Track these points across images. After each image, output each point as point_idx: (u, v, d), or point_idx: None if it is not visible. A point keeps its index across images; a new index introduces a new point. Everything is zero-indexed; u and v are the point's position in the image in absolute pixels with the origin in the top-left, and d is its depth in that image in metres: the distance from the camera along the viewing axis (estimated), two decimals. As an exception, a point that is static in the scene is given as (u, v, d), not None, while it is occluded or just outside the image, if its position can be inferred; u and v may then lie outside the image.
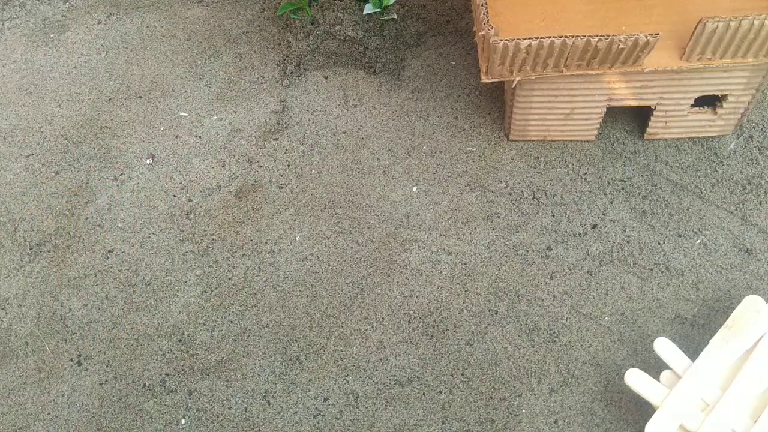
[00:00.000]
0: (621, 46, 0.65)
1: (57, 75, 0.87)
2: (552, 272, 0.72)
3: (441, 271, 0.72)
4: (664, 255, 0.73)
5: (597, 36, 0.64)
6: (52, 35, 0.90)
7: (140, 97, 0.85)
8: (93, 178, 0.79)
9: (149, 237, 0.75)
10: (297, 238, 0.74)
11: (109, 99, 0.85)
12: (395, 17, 0.84)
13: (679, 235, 0.74)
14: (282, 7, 0.82)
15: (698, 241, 0.73)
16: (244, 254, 0.73)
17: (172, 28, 0.91)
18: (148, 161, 0.80)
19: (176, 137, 0.82)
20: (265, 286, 0.71)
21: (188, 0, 0.94)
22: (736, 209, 0.75)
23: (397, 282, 0.71)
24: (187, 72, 0.87)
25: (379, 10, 0.81)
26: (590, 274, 0.72)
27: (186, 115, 0.83)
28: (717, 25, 0.64)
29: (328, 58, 0.85)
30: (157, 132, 0.82)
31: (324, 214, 0.76)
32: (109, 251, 0.74)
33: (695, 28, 0.64)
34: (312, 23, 0.81)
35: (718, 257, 0.72)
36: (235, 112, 0.83)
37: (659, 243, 0.73)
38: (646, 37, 0.64)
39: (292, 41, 0.83)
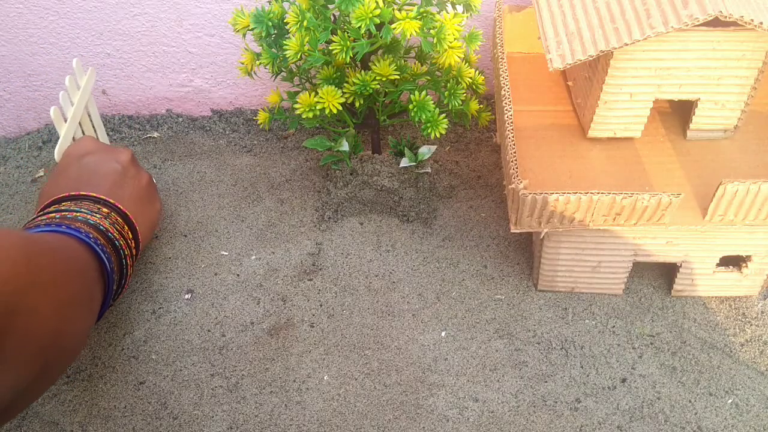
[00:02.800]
0: (645, 203, 0.68)
1: (110, 212, 0.93)
2: (581, 425, 0.71)
3: (468, 418, 0.71)
4: (695, 413, 0.71)
5: (622, 193, 0.67)
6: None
7: (185, 235, 0.90)
8: (133, 311, 0.82)
9: (181, 370, 0.76)
10: (325, 378, 0.75)
11: (156, 237, 0.90)
12: (429, 171, 0.90)
13: (711, 394, 0.73)
14: (324, 159, 0.88)
15: (730, 400, 0.72)
16: (272, 391, 0.74)
17: (221, 174, 0.98)
18: (186, 296, 0.83)
19: (215, 274, 0.85)
20: (291, 424, 0.71)
21: (238, 150, 1.02)
22: (766, 370, 0.74)
23: (423, 427, 0.71)
24: (231, 214, 0.92)
25: (414, 164, 0.87)
26: (621, 430, 0.71)
27: (226, 254, 0.87)
28: (737, 189, 0.67)
29: (365, 206, 0.89)
30: (197, 269, 0.86)
31: (353, 355, 0.77)
32: (141, 383, 0.75)
33: (716, 190, 0.68)
34: (351, 173, 0.87)
35: (751, 418, 0.71)
36: (273, 253, 0.87)
37: (690, 401, 0.72)
38: (669, 196, 0.67)
39: (332, 189, 0.88)
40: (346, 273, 0.84)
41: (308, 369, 0.76)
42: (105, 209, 0.72)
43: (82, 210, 0.69)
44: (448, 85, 0.81)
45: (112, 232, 0.69)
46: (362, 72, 0.77)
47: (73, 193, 0.73)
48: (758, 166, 0.76)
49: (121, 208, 0.74)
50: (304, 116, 0.79)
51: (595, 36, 0.68)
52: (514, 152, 0.71)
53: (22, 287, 0.49)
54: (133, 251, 0.74)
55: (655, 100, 0.74)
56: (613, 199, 0.67)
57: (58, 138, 0.80)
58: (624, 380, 0.74)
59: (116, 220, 0.72)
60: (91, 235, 0.66)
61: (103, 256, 0.66)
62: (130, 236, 0.74)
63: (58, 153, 0.79)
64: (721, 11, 0.62)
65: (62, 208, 0.70)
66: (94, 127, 0.90)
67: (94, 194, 0.73)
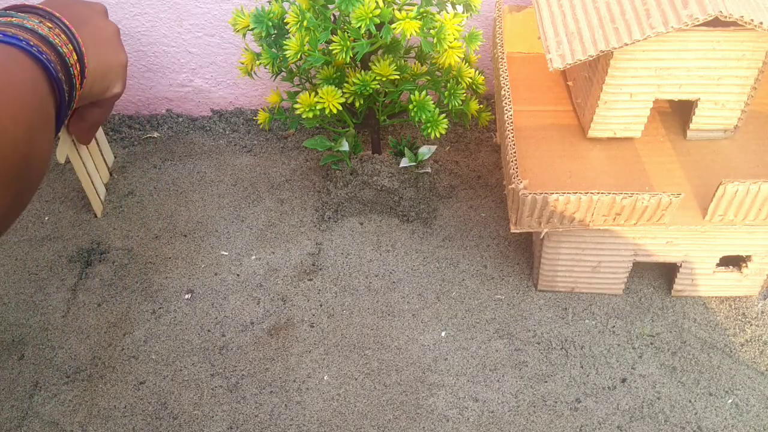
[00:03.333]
0: (645, 203, 0.68)
1: (109, 212, 0.93)
2: (581, 425, 0.71)
3: (468, 418, 0.71)
4: (695, 413, 0.71)
5: (622, 193, 0.67)
6: (115, 176, 0.97)
7: (185, 236, 0.90)
8: (133, 311, 0.82)
9: (181, 370, 0.76)
10: (325, 378, 0.75)
11: (156, 237, 0.90)
12: (429, 171, 0.90)
13: (710, 394, 0.73)
14: (324, 159, 0.88)
15: (730, 400, 0.72)
16: (272, 391, 0.74)
17: (221, 174, 0.98)
18: (186, 296, 0.83)
19: (215, 274, 0.85)
20: (291, 424, 0.71)
21: (238, 149, 1.02)
22: (766, 370, 0.74)
23: (423, 427, 0.71)
24: (231, 214, 0.92)
25: (414, 164, 0.87)
26: (621, 430, 0.71)
27: (227, 254, 0.87)
28: (737, 189, 0.67)
29: (365, 206, 0.89)
30: (197, 269, 0.86)
31: (353, 355, 0.77)
32: (141, 383, 0.75)
33: (716, 190, 0.68)
34: (351, 173, 0.87)
35: (751, 418, 0.71)
36: (273, 253, 0.87)
37: (690, 401, 0.72)
38: (669, 196, 0.67)
39: (332, 189, 0.88)
40: (346, 273, 0.84)
41: (308, 369, 0.76)
42: (49, 23, 0.62)
43: (19, 15, 0.60)
44: (448, 85, 0.81)
45: (53, 38, 0.60)
46: (362, 72, 0.77)
47: (17, 4, 0.64)
48: (758, 166, 0.76)
49: (69, 25, 0.64)
50: (304, 116, 0.79)
51: (595, 36, 0.68)
52: (514, 152, 0.71)
53: None
54: (77, 70, 0.64)
55: (655, 100, 0.74)
56: (613, 199, 0.67)
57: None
58: (624, 380, 0.74)
59: (59, 35, 0.62)
60: (31, 42, 0.57)
61: (48, 65, 0.57)
62: (75, 59, 0.63)
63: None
64: (721, 11, 0.62)
65: None
66: None
67: (43, 7, 0.63)
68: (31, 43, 0.56)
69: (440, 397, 0.73)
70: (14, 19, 0.59)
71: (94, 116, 0.77)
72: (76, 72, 0.62)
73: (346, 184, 0.87)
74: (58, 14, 0.63)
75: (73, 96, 0.62)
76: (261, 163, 0.99)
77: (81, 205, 0.94)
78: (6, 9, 0.61)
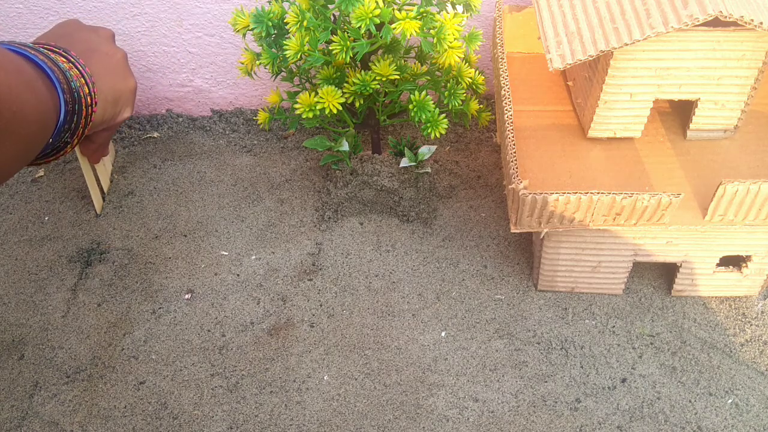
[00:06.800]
0: (645, 203, 0.68)
1: (109, 212, 0.93)
2: (581, 425, 0.71)
3: (468, 418, 0.71)
4: (695, 413, 0.71)
5: (622, 193, 0.67)
6: (115, 176, 0.97)
7: (185, 235, 0.90)
8: (133, 311, 0.82)
9: (181, 370, 0.76)
10: (325, 378, 0.75)
11: (156, 237, 0.90)
12: (429, 171, 0.90)
13: (710, 394, 0.73)
14: (324, 158, 0.88)
15: (730, 400, 0.72)
16: (272, 391, 0.74)
17: (221, 174, 0.98)
18: (186, 296, 0.83)
19: (215, 274, 0.85)
20: (291, 425, 0.71)
21: (238, 149, 1.02)
22: (766, 370, 0.74)
23: (423, 427, 0.71)
24: (231, 214, 0.92)
25: (414, 164, 0.87)
26: (621, 430, 0.71)
27: (227, 254, 0.87)
28: (737, 189, 0.67)
29: (365, 206, 0.89)
30: (197, 269, 0.86)
31: (353, 355, 0.77)
32: (141, 383, 0.75)
33: (716, 190, 0.68)
34: (351, 173, 0.87)
35: (751, 418, 0.71)
36: (273, 253, 0.87)
37: (690, 401, 0.72)
38: (669, 196, 0.67)
39: (332, 189, 0.88)
40: (346, 273, 0.84)
41: (308, 369, 0.76)
42: (63, 58, 0.66)
43: (41, 50, 0.64)
44: (448, 85, 0.81)
45: (62, 62, 0.64)
46: (362, 72, 0.77)
47: (41, 41, 0.68)
48: (758, 166, 0.76)
49: (78, 59, 0.68)
50: (304, 116, 0.79)
51: (595, 36, 0.68)
52: (514, 152, 0.71)
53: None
54: (91, 101, 0.68)
55: (655, 100, 0.74)
56: (613, 199, 0.67)
57: None
58: (624, 380, 0.74)
59: (71, 68, 0.66)
60: (38, 57, 0.61)
61: (51, 74, 0.60)
62: (87, 91, 0.67)
63: None
64: (721, 11, 0.62)
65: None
66: None
67: (54, 44, 0.68)
68: (39, 57, 0.60)
69: (440, 397, 0.73)
70: (43, 53, 0.63)
71: (102, 138, 0.81)
72: (88, 102, 0.66)
73: (346, 184, 0.87)
74: (67, 48, 0.67)
75: (82, 124, 0.66)
76: (261, 163, 0.99)
77: (81, 205, 0.94)
78: (33, 43, 0.65)
